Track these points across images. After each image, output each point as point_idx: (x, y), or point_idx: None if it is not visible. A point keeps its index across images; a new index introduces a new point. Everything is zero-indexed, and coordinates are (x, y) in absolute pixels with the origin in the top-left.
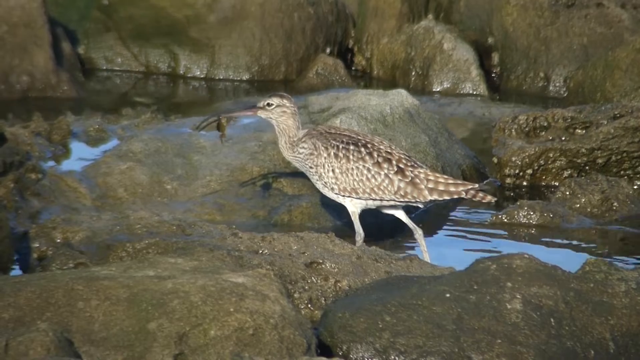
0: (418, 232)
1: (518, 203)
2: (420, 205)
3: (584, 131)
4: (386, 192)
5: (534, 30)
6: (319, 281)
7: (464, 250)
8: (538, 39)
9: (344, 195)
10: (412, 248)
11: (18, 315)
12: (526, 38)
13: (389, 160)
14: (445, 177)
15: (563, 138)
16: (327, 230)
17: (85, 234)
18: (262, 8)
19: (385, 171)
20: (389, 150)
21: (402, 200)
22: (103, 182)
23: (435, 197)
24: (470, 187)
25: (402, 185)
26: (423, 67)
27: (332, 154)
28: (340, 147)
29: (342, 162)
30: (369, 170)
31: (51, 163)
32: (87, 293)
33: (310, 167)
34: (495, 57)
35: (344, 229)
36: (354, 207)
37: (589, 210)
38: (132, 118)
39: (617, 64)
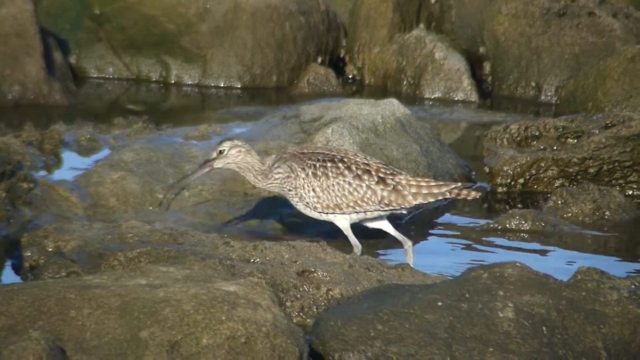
0: (407, 244)
1: (510, 212)
2: (404, 212)
3: (575, 140)
4: (370, 203)
5: (526, 39)
6: (311, 290)
7: (456, 258)
8: (529, 48)
9: (327, 213)
10: (404, 253)
11: (10, 323)
12: (518, 47)
13: (368, 172)
14: (427, 179)
15: (555, 147)
16: (319, 239)
17: (77, 243)
18: (253, 17)
19: (367, 182)
20: (366, 162)
21: (387, 209)
22: (95, 191)
23: (420, 201)
24: (453, 186)
25: (385, 194)
26: (415, 76)
27: (309, 173)
28: (318, 165)
29: (321, 180)
30: (349, 184)
31: (43, 172)
32: (79, 302)
33: (290, 190)
34: (487, 67)
35: (336, 237)
36: (343, 221)
37: (580, 219)
38: (124, 127)
39: (609, 73)
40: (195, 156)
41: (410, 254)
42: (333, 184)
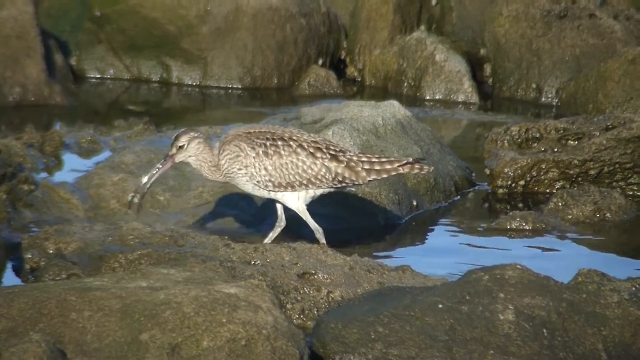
0: (281, 225)
1: (510, 214)
2: (354, 189)
3: (576, 142)
4: (324, 180)
5: (526, 41)
6: (311, 292)
7: (457, 260)
8: (530, 50)
9: (277, 191)
10: (404, 254)
11: (11, 326)
12: (518, 49)
13: (319, 149)
14: (377, 156)
15: (555, 149)
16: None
17: (77, 245)
18: (254, 19)
19: (321, 160)
20: (314, 139)
21: (339, 185)
22: (95, 193)
23: (373, 176)
24: (404, 161)
25: (339, 170)
26: (415, 78)
27: (260, 152)
28: (268, 144)
29: (274, 159)
30: (303, 162)
31: (44, 174)
32: (79, 304)
33: (239, 169)
34: (488, 68)
35: (337, 238)
36: (295, 201)
37: (581, 220)
38: (125, 129)
39: (610, 75)
40: None
41: (276, 232)
42: (286, 162)
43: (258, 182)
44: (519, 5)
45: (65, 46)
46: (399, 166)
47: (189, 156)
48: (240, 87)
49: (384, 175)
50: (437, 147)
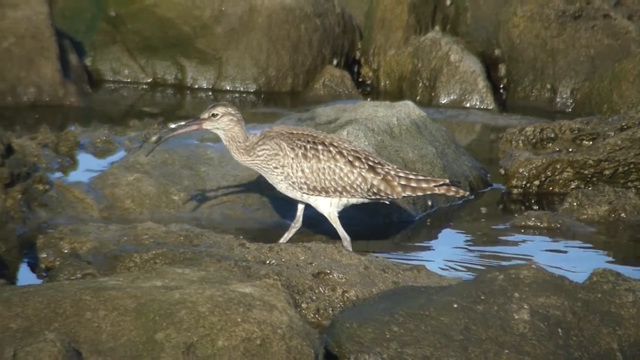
0: (296, 226)
1: (525, 213)
2: (387, 202)
3: (591, 143)
4: (358, 190)
5: (541, 42)
6: (326, 291)
7: (471, 260)
8: (545, 50)
9: (310, 195)
10: (419, 253)
11: (26, 325)
12: (533, 50)
13: (358, 158)
14: (415, 173)
15: (570, 149)
16: (335, 240)
17: (92, 245)
18: (269, 19)
19: (358, 169)
20: (354, 149)
21: (373, 197)
22: (110, 193)
23: (408, 193)
24: (441, 182)
25: (375, 182)
26: (430, 78)
27: (299, 154)
28: (308, 147)
29: (312, 162)
30: (341, 169)
31: (58, 174)
32: (94, 303)
33: (275, 168)
34: (502, 69)
35: (351, 234)
36: (327, 207)
37: (596, 221)
38: (140, 129)
39: (624, 75)
40: (211, 158)
41: (291, 233)
42: (324, 167)
43: (293, 182)
44: (533, 6)
45: (80, 47)
46: (435, 186)
47: (218, 128)
48: (254, 87)
49: (419, 193)
50: (452, 147)
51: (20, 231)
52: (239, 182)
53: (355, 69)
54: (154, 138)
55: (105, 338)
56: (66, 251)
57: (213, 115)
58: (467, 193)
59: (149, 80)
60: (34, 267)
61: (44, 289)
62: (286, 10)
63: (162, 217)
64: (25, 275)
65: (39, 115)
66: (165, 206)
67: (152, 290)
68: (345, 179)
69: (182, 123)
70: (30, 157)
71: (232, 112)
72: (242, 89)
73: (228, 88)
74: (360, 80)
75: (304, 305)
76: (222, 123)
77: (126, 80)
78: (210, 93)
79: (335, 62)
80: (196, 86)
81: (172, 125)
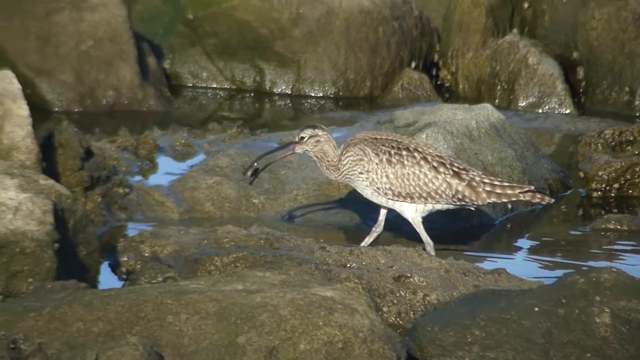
0: (377, 230)
1: (605, 217)
2: (472, 208)
3: None
4: (443, 196)
5: (619, 44)
6: (407, 295)
7: (552, 263)
8: (623, 53)
9: (396, 200)
10: (500, 257)
11: (107, 329)
12: (611, 52)
13: (443, 164)
14: (499, 179)
15: None
16: (415, 243)
17: (173, 248)
18: (347, 22)
19: (443, 175)
20: (439, 154)
21: (458, 203)
22: (190, 196)
23: (493, 199)
24: (526, 189)
25: (460, 188)
26: (508, 81)
27: (384, 159)
28: (393, 152)
29: (396, 168)
30: (425, 175)
31: (138, 177)
32: (176, 307)
33: (360, 173)
34: (580, 72)
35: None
36: (412, 213)
37: None
38: (218, 133)
39: None
40: (290, 161)
41: (372, 237)
42: (408, 173)
43: (378, 188)
44: (610, 9)
45: (158, 50)
46: (520, 192)
47: (306, 150)
48: (333, 90)
49: (504, 200)
50: (531, 150)
51: (101, 234)
52: (319, 185)
53: (434, 72)
54: (249, 173)
55: (187, 342)
56: (147, 254)
57: (301, 138)
58: (552, 200)
59: (227, 84)
60: (114, 270)
61: (125, 293)
62: (364, 13)
63: (242, 220)
64: (106, 279)
65: (118, 118)
66: (245, 209)
67: (233, 294)
68: (430, 184)
69: (276, 150)
70: (109, 160)
71: (320, 133)
72: (320, 92)
73: (307, 91)
74: (438, 83)
75: (385, 309)
76: (309, 145)
77: (205, 83)
78: (288, 100)
79: (413, 65)
80: (275, 89)
81: (267, 155)
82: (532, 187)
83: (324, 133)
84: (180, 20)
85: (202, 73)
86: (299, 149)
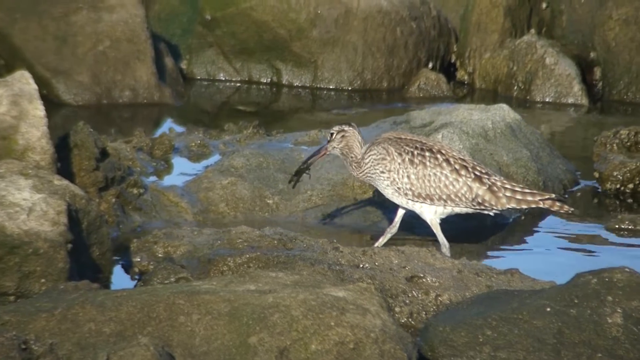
0: (392, 231)
1: (619, 217)
2: (491, 213)
3: None
4: (463, 199)
5: (636, 44)
6: (419, 295)
7: (565, 263)
8: None
9: (415, 201)
10: (513, 256)
11: (119, 329)
12: (628, 52)
13: (465, 167)
14: (521, 185)
15: None
16: (429, 243)
17: (186, 249)
18: (364, 23)
19: (464, 178)
20: (463, 157)
21: (477, 207)
22: (205, 197)
23: (512, 205)
24: (547, 196)
25: (480, 192)
26: (525, 81)
27: (406, 159)
28: (415, 153)
29: (418, 168)
30: (446, 177)
31: (153, 178)
32: (188, 307)
33: (382, 172)
34: (597, 72)
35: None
36: (431, 214)
37: None
38: (234, 133)
39: None
40: None
41: (386, 238)
42: (430, 174)
43: (399, 188)
44: (628, 9)
45: (176, 50)
46: (540, 200)
47: (335, 148)
48: (350, 90)
49: (524, 206)
50: (547, 150)
51: (114, 235)
52: (333, 185)
53: (451, 72)
54: (292, 184)
55: (199, 342)
56: (160, 255)
57: (330, 134)
58: (572, 209)
59: (244, 84)
60: (127, 270)
61: (138, 293)
62: (382, 13)
63: (256, 220)
64: (118, 279)
65: (134, 119)
66: (260, 210)
67: (245, 294)
68: (450, 187)
69: (311, 156)
70: (124, 160)
71: (346, 128)
72: (338, 91)
73: (324, 91)
74: (456, 83)
75: (397, 309)
76: (335, 141)
77: (222, 83)
78: (307, 95)
79: (430, 65)
80: (292, 90)
81: (305, 163)
82: (553, 195)
83: (351, 129)
84: (198, 20)
85: (219, 73)
86: (330, 148)
